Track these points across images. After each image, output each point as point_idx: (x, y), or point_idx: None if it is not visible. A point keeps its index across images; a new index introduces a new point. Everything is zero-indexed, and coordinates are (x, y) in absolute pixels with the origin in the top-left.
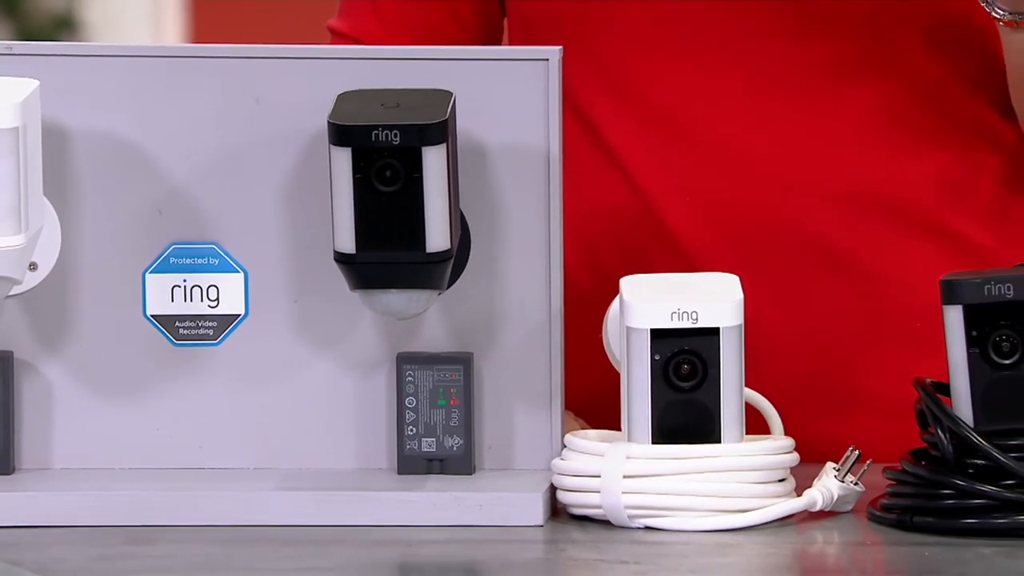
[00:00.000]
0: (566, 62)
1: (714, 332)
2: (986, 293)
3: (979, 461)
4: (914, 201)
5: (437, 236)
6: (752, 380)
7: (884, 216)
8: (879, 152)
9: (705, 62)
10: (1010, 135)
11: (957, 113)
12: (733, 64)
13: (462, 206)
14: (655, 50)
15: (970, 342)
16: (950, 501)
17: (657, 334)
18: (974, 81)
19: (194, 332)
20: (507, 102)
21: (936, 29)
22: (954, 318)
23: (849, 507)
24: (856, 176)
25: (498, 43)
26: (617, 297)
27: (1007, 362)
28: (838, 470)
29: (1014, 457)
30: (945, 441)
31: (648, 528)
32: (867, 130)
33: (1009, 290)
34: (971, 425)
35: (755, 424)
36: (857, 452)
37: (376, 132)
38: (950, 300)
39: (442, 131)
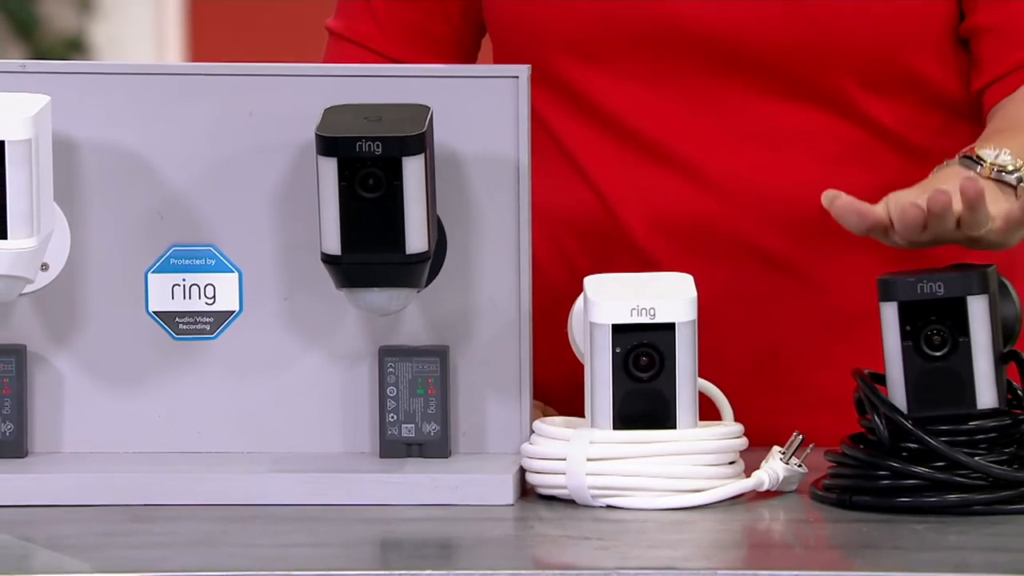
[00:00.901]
0: (534, 81)
1: (670, 327)
2: (919, 291)
3: (912, 445)
4: None
5: (416, 239)
6: (706, 373)
7: (824, 226)
8: (817, 168)
9: (658, 82)
10: (937, 154)
11: (887, 134)
12: (685, 87)
13: (439, 211)
14: (615, 71)
15: (904, 336)
16: (886, 482)
17: (618, 329)
18: (902, 109)
19: (192, 327)
20: (480, 116)
21: (866, 63)
22: (890, 314)
23: (793, 487)
24: (797, 190)
25: (480, 43)
26: (581, 295)
27: (938, 354)
28: (783, 453)
29: (944, 441)
30: (881, 426)
31: (610, 507)
32: (805, 148)
33: (940, 288)
34: (905, 412)
35: (708, 411)
36: (801, 437)
37: (360, 143)
38: (886, 297)
39: (420, 142)
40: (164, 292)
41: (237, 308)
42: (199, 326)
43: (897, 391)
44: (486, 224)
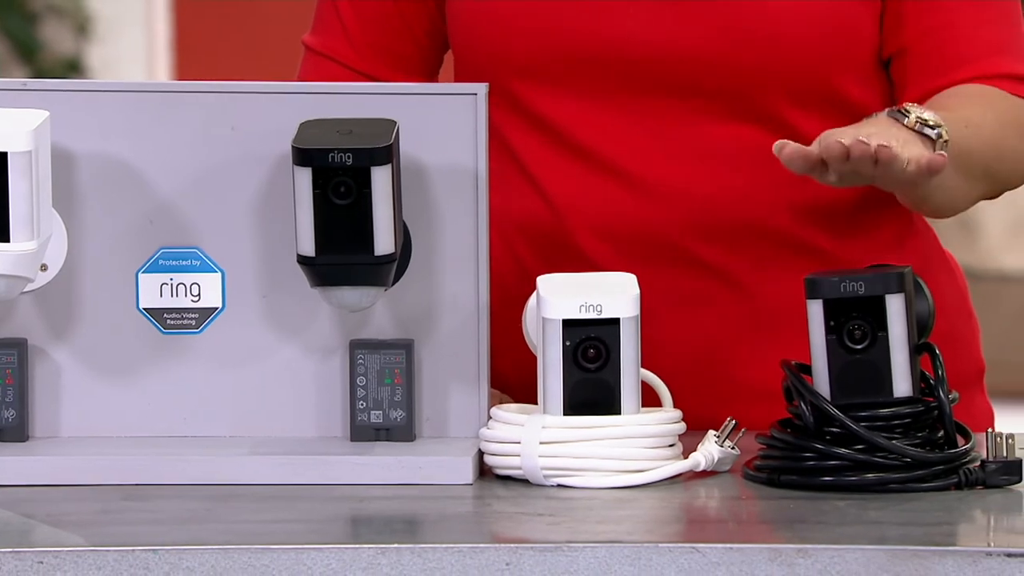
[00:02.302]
0: (493, 98)
1: (615, 322)
2: (842, 290)
3: (835, 429)
4: (777, 224)
5: (383, 241)
6: (648, 365)
7: (753, 233)
8: (748, 180)
9: (602, 100)
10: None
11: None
12: (627, 105)
13: (404, 216)
14: (564, 90)
15: (828, 330)
16: (811, 462)
17: (568, 323)
18: (828, 125)
19: (179, 322)
20: (442, 130)
21: (796, 83)
22: (815, 310)
23: (727, 468)
24: (728, 200)
25: (442, 60)
26: (535, 292)
27: (859, 347)
28: (718, 437)
29: (864, 426)
30: (807, 412)
31: (561, 486)
32: (737, 161)
33: (861, 287)
34: (828, 399)
35: (649, 399)
36: (734, 422)
37: (332, 154)
38: (813, 295)
39: (388, 154)
40: (153, 290)
41: (220, 305)
42: (185, 321)
43: (821, 380)
44: (448, 228)
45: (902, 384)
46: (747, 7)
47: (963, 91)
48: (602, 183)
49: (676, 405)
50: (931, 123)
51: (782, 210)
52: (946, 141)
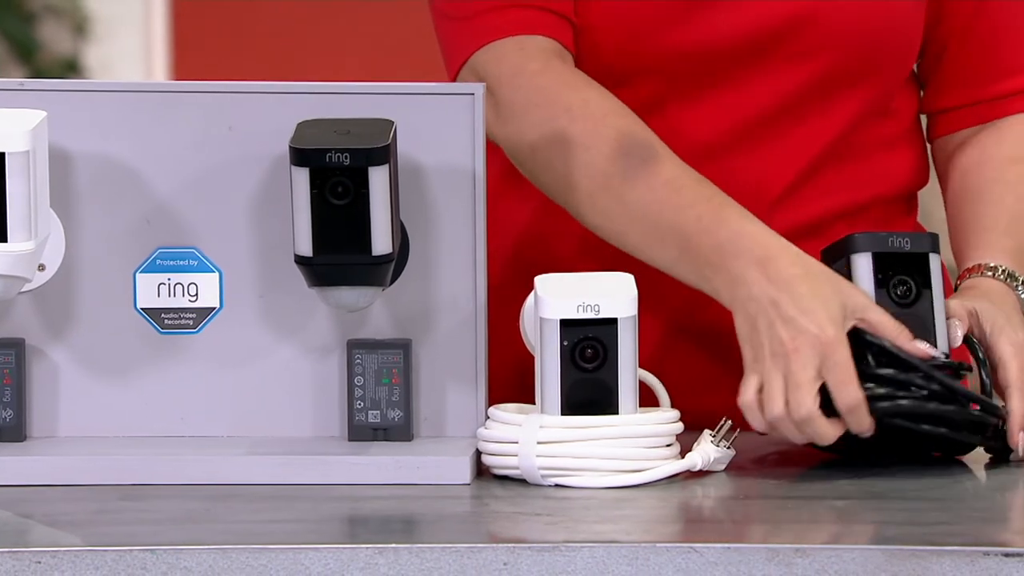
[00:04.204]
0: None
1: (613, 322)
2: (889, 244)
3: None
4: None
5: (381, 241)
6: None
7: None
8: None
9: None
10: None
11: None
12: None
13: (402, 216)
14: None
15: (877, 283)
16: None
17: (566, 323)
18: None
19: (177, 322)
20: (440, 130)
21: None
22: (863, 263)
23: (722, 467)
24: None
25: None
26: (532, 292)
27: (906, 301)
28: (714, 437)
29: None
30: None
31: (558, 486)
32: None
33: (907, 243)
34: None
35: (647, 399)
36: (729, 422)
37: (330, 154)
38: (860, 249)
39: (385, 154)
40: (151, 290)
41: (218, 305)
42: (183, 321)
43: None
44: (445, 228)
45: (943, 341)
46: None
47: (1018, 163)
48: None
49: (674, 404)
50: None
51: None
52: None
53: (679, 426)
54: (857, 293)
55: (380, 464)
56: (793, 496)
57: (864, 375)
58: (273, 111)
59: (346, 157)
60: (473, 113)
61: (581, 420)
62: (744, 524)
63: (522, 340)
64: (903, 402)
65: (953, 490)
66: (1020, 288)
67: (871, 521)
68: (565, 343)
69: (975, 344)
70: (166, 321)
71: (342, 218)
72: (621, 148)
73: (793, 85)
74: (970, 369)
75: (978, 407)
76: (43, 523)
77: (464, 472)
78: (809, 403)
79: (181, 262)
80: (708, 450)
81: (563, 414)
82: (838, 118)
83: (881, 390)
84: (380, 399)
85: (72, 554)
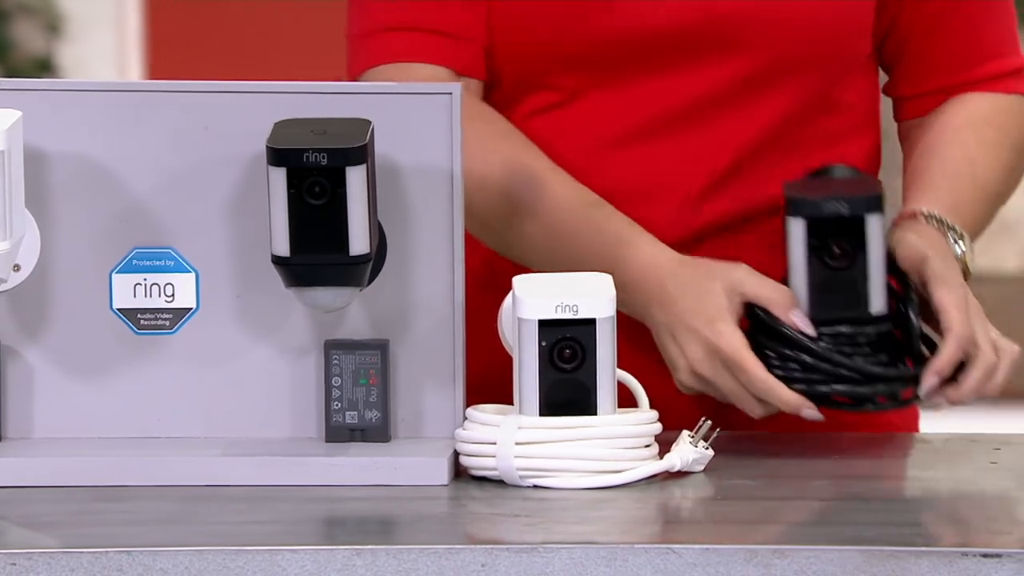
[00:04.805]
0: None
1: (591, 322)
2: (824, 209)
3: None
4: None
5: (358, 241)
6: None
7: (718, 228)
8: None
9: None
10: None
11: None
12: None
13: (379, 216)
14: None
15: (810, 248)
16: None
17: (544, 324)
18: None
19: (153, 323)
20: (417, 129)
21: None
22: (797, 228)
23: (701, 468)
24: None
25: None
26: (510, 293)
27: (839, 264)
28: (692, 437)
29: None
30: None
31: (536, 487)
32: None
33: (844, 207)
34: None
35: (625, 399)
36: (708, 422)
37: (307, 154)
38: (794, 212)
39: (362, 153)
40: (127, 291)
41: (194, 305)
42: (159, 322)
43: (799, 296)
44: (422, 228)
45: (878, 302)
46: None
47: (976, 127)
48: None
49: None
50: (967, 253)
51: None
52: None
53: (657, 427)
54: (734, 272)
55: (357, 465)
56: (771, 497)
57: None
58: (250, 111)
59: (323, 157)
60: (450, 113)
61: (559, 421)
62: (722, 525)
63: (492, 342)
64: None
65: (931, 491)
66: (952, 237)
67: (849, 522)
68: (543, 343)
69: (910, 291)
70: (142, 321)
71: (319, 218)
72: (509, 184)
73: (724, 76)
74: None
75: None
76: (18, 525)
77: (442, 473)
78: (754, 406)
79: (157, 262)
80: (686, 451)
81: (541, 415)
82: (774, 110)
83: (779, 372)
84: (357, 400)
85: (47, 556)
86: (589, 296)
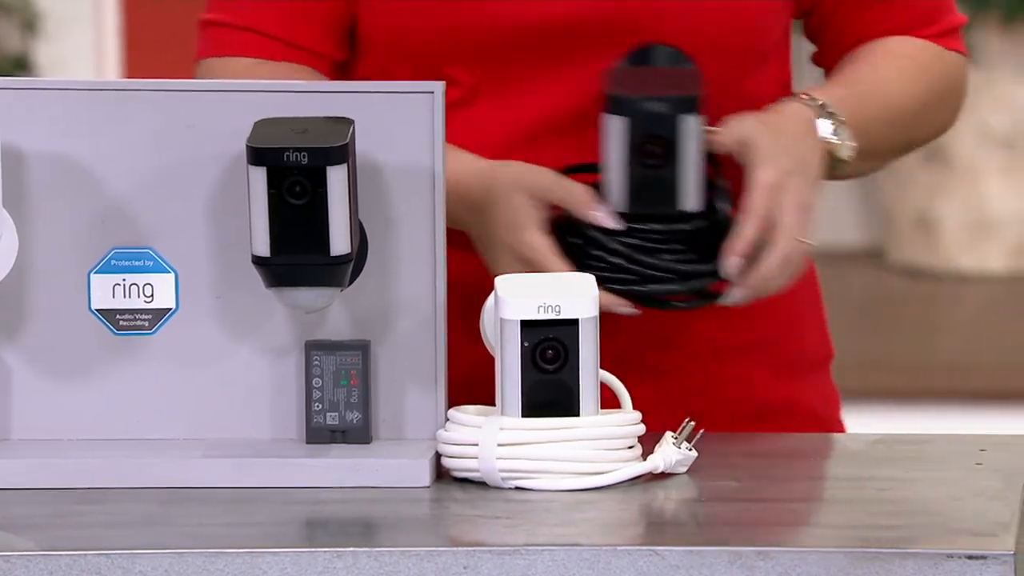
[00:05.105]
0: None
1: (574, 323)
2: (646, 109)
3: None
4: None
5: (339, 242)
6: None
7: None
8: None
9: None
10: None
11: None
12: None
13: (360, 216)
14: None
15: (631, 148)
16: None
17: (526, 324)
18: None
19: (132, 323)
20: (399, 129)
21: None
22: (617, 126)
23: (684, 469)
24: None
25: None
26: (493, 293)
27: (655, 163)
28: (676, 439)
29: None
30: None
31: (519, 488)
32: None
33: (665, 107)
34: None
35: (608, 400)
36: (692, 423)
37: (287, 154)
38: (616, 111)
39: (343, 153)
40: (106, 291)
41: (174, 306)
42: (138, 322)
43: (615, 192)
44: (404, 228)
45: (692, 201)
46: None
47: (896, 57)
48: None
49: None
50: (840, 140)
51: None
52: (849, 154)
53: (641, 428)
54: (540, 178)
55: (338, 467)
56: (755, 499)
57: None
58: (230, 110)
59: (304, 156)
60: (432, 112)
61: (541, 422)
62: (706, 527)
63: (472, 344)
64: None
65: (916, 492)
66: (829, 121)
67: (833, 524)
68: (525, 344)
69: (719, 181)
70: (121, 322)
71: (300, 218)
72: None
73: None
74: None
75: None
76: None
77: (423, 475)
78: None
79: (136, 262)
80: (670, 452)
81: (523, 416)
82: None
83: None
84: (338, 401)
85: (25, 559)
86: (572, 296)
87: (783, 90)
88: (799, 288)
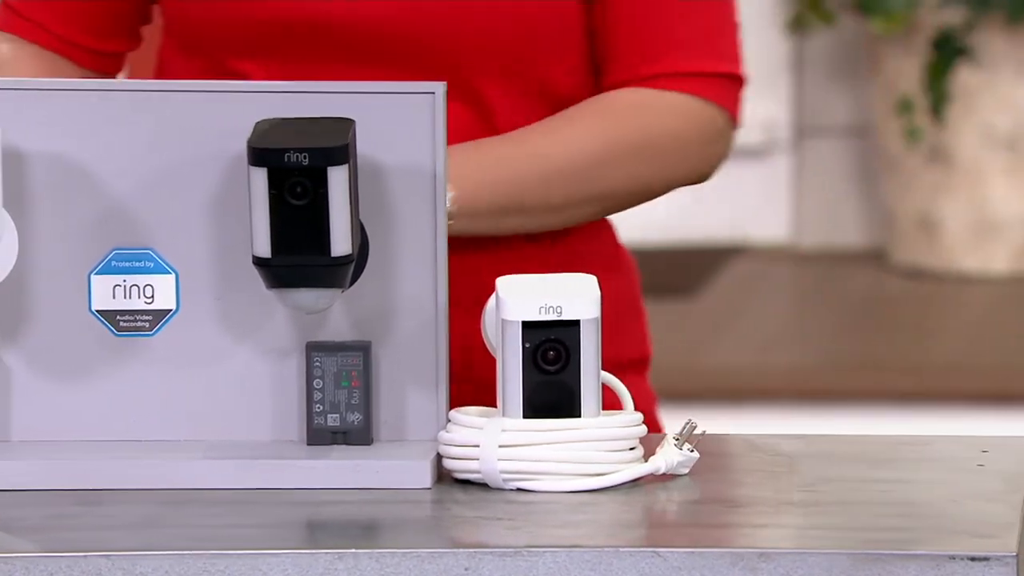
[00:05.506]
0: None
1: (575, 324)
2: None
3: None
4: None
5: (340, 242)
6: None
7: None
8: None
9: (304, 74)
10: None
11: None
12: (316, 75)
13: (361, 217)
14: (273, 66)
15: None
16: None
17: (527, 325)
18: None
19: (133, 324)
20: (399, 129)
21: (492, 60)
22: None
23: (686, 471)
24: None
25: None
26: (494, 294)
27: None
28: (677, 440)
29: None
30: None
31: (520, 490)
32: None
33: (304, 158)
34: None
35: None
36: (693, 424)
37: (288, 154)
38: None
39: (344, 153)
40: (106, 292)
41: (174, 307)
42: (139, 323)
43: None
44: (405, 228)
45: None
46: None
47: (587, 111)
48: None
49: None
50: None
51: None
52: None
53: (642, 429)
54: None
55: (339, 468)
56: (757, 500)
57: None
58: (230, 110)
59: (305, 157)
60: (433, 112)
61: (543, 423)
62: (708, 528)
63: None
64: None
65: (918, 493)
66: None
67: (836, 526)
68: (527, 345)
69: None
70: (121, 323)
71: (300, 219)
72: None
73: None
74: None
75: None
76: None
77: (425, 476)
78: None
79: (137, 263)
80: (672, 453)
81: (525, 417)
82: (459, 114)
83: None
84: (339, 402)
85: (25, 560)
86: (573, 297)
87: (584, 82)
88: (616, 289)
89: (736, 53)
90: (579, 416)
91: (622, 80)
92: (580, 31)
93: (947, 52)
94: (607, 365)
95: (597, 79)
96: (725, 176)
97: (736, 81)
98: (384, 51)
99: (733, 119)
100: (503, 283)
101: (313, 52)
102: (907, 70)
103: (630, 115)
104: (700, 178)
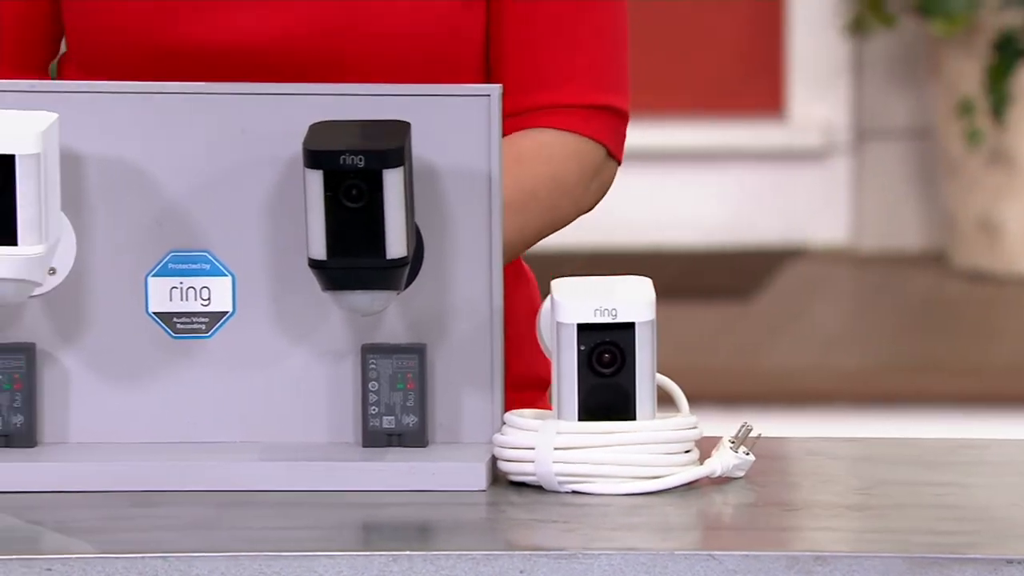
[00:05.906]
0: None
1: (630, 326)
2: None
3: None
4: None
5: (396, 245)
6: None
7: None
8: None
9: None
10: None
11: None
12: None
13: (417, 219)
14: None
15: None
16: None
17: (583, 328)
18: None
19: (189, 326)
20: (455, 131)
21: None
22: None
23: (742, 474)
24: None
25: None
26: (549, 297)
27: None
28: (733, 443)
29: None
30: None
31: (575, 492)
32: None
33: (360, 161)
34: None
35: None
36: (749, 427)
37: (344, 157)
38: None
39: (400, 156)
40: (163, 294)
41: (230, 309)
42: (195, 326)
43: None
44: (460, 231)
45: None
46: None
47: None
48: None
49: None
50: None
51: None
52: None
53: (698, 432)
54: None
55: (394, 470)
56: (813, 503)
57: None
58: (286, 113)
59: (360, 159)
60: (489, 115)
61: (598, 426)
62: (763, 531)
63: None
64: None
65: (975, 498)
66: None
67: (892, 529)
68: (582, 348)
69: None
70: (178, 325)
71: (356, 221)
72: None
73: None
74: None
75: None
76: (54, 530)
77: (480, 478)
78: None
79: (193, 266)
80: (727, 456)
81: (580, 420)
82: None
83: None
84: (395, 404)
85: (83, 561)
86: (628, 300)
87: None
88: (517, 309)
89: (623, 85)
90: (634, 419)
91: (506, 112)
92: (480, 54)
93: (1008, 54)
94: (512, 384)
95: None
96: (783, 179)
97: (619, 115)
98: (289, 74)
99: (613, 153)
100: (558, 285)
101: (222, 78)
102: (968, 72)
103: (509, 169)
104: (579, 215)
